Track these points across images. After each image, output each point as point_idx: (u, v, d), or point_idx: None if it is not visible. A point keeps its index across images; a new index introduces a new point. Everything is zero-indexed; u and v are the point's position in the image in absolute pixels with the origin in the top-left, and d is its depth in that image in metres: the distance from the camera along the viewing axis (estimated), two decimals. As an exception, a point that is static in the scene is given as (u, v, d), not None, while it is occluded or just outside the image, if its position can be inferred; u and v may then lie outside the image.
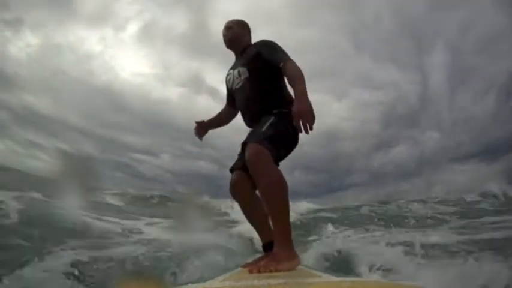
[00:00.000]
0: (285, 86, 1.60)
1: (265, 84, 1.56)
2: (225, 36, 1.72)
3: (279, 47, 1.53)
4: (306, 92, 1.30)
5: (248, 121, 1.64)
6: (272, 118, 1.46)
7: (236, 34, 1.70)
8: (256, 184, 1.37)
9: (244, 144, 1.43)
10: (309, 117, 1.23)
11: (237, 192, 1.60)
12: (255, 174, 1.33)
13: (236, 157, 1.64)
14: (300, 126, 1.23)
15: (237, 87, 1.64)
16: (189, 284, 0.85)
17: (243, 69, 1.60)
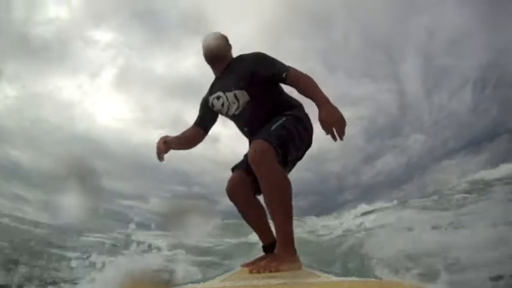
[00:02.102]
0: (283, 92, 1.54)
1: (270, 103, 1.47)
2: (209, 49, 1.52)
3: (272, 58, 1.45)
4: (328, 98, 1.27)
5: (251, 131, 1.52)
6: (283, 119, 1.39)
7: (223, 48, 1.55)
8: (259, 183, 1.29)
9: (251, 143, 1.33)
10: (341, 124, 1.20)
11: (235, 192, 1.52)
12: (258, 173, 1.26)
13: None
14: (333, 134, 1.20)
15: (235, 112, 1.50)
16: (189, 284, 0.85)
17: (240, 93, 1.43)
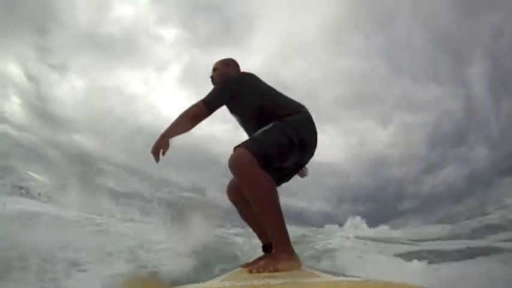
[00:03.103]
0: (275, 102, 1.54)
1: (252, 120, 1.57)
2: (211, 78, 1.79)
3: (217, 89, 1.60)
4: (164, 134, 1.52)
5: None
6: (269, 126, 1.41)
7: (220, 74, 1.75)
8: (242, 188, 1.30)
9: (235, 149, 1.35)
10: (152, 150, 1.52)
11: (234, 194, 1.60)
12: (237, 179, 1.30)
13: None
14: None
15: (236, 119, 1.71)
16: (189, 284, 0.85)
17: (228, 108, 1.66)
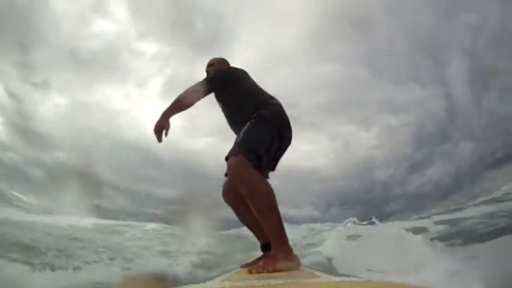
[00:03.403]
0: (255, 92, 1.66)
1: (231, 103, 1.68)
2: (207, 72, 1.86)
3: (219, 71, 1.74)
4: (164, 113, 1.56)
5: (234, 132, 1.70)
6: (248, 124, 1.47)
7: (216, 70, 1.83)
8: (242, 194, 1.35)
9: (227, 159, 1.41)
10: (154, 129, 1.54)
11: (230, 197, 1.63)
12: (237, 187, 1.35)
13: None
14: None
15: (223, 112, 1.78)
16: (189, 284, 0.85)
17: (215, 97, 1.75)
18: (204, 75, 1.85)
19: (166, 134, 1.57)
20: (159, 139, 1.55)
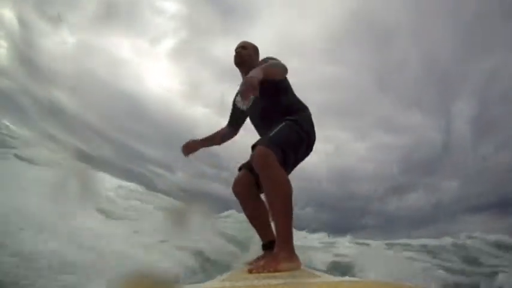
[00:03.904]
0: (294, 96, 1.66)
1: (273, 97, 1.57)
2: (239, 54, 1.73)
3: (275, 60, 1.56)
4: (261, 69, 1.31)
5: (262, 133, 1.66)
6: (283, 124, 1.48)
7: (249, 55, 1.74)
8: (262, 185, 1.38)
9: (254, 147, 1.44)
10: (246, 85, 1.22)
11: (239, 189, 1.62)
12: (261, 176, 1.35)
13: None
14: (240, 96, 1.27)
15: (247, 106, 1.71)
16: (189, 284, 0.85)
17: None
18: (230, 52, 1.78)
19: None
20: (247, 104, 1.38)
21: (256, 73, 1.27)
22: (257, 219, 1.63)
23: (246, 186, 1.59)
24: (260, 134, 1.71)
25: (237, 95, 1.84)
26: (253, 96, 1.42)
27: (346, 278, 0.82)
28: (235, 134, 1.91)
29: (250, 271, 1.12)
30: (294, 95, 1.67)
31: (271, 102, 1.58)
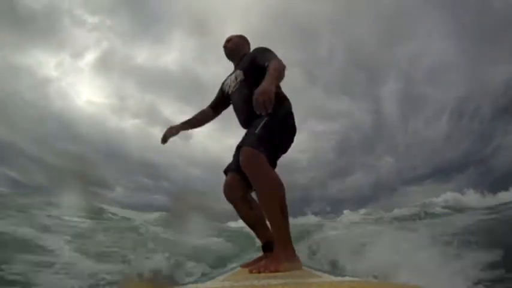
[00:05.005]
0: (279, 87, 1.58)
1: (257, 85, 1.52)
2: (225, 47, 1.80)
3: (270, 52, 1.55)
4: (274, 78, 1.28)
5: (243, 122, 1.64)
6: (265, 119, 1.44)
7: (236, 44, 1.79)
8: (253, 187, 1.37)
9: (238, 148, 1.42)
10: (265, 96, 1.18)
11: (231, 194, 1.59)
12: (250, 178, 1.33)
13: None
14: (257, 105, 1.18)
15: (233, 90, 1.68)
16: (189, 284, 0.85)
17: (239, 73, 1.65)
18: (221, 51, 1.79)
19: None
20: (267, 111, 1.21)
21: (270, 84, 1.24)
22: (253, 220, 1.60)
23: (236, 189, 1.56)
24: (239, 120, 1.67)
25: (225, 81, 1.80)
26: (240, 82, 1.48)
27: (347, 278, 0.81)
28: (216, 116, 1.88)
29: (250, 271, 1.11)
30: (278, 88, 1.59)
31: (252, 84, 1.48)
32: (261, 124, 1.41)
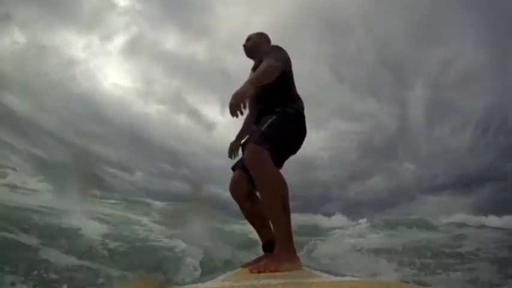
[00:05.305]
0: (293, 87, 1.61)
1: (265, 89, 1.49)
2: (244, 46, 1.81)
3: (278, 51, 1.53)
4: (255, 80, 1.28)
5: (254, 119, 1.64)
6: (273, 117, 1.45)
7: (254, 43, 1.77)
8: (255, 184, 1.37)
9: (244, 145, 1.42)
10: (234, 100, 1.18)
11: (236, 190, 1.60)
12: (253, 175, 1.34)
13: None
14: (229, 108, 1.19)
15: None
16: (189, 284, 0.85)
17: (252, 72, 1.67)
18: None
19: (245, 107, 1.25)
20: (240, 113, 1.20)
21: (247, 87, 1.24)
22: (255, 219, 1.61)
23: (241, 186, 1.57)
24: (251, 117, 1.67)
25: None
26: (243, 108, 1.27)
27: (347, 277, 0.81)
28: None
29: (250, 271, 1.11)
30: (291, 86, 1.61)
31: (267, 88, 1.48)
32: (268, 123, 1.42)
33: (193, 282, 1.08)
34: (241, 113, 1.21)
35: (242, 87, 1.24)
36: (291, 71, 1.60)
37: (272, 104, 1.51)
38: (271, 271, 1.09)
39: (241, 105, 1.19)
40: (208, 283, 0.89)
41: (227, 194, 1.64)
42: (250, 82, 1.28)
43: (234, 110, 1.18)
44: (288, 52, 1.58)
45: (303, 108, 1.59)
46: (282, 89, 1.56)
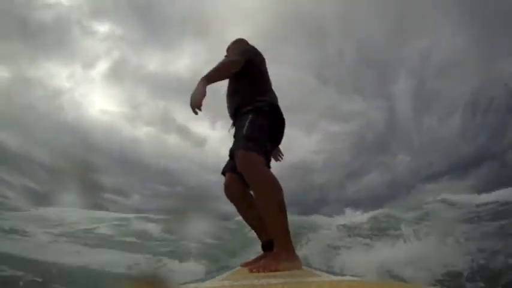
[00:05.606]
0: (261, 79, 1.64)
1: (236, 83, 1.60)
2: (225, 57, 1.83)
3: (237, 45, 1.66)
4: (204, 79, 1.37)
5: (230, 114, 1.66)
6: (249, 117, 1.45)
7: (232, 51, 1.78)
8: (251, 189, 1.40)
9: (232, 152, 1.44)
10: (191, 100, 1.32)
11: (231, 194, 1.61)
12: (248, 180, 1.36)
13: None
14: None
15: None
16: (189, 284, 0.85)
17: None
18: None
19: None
20: (198, 109, 1.32)
21: (200, 85, 1.35)
22: (253, 219, 1.62)
23: (234, 187, 1.58)
24: (228, 112, 1.68)
25: None
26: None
27: (346, 277, 0.81)
28: None
29: (250, 270, 1.12)
30: (260, 80, 1.64)
31: (236, 84, 1.61)
32: (247, 123, 1.43)
33: (193, 282, 1.08)
34: (200, 110, 1.33)
35: (197, 88, 1.34)
36: (261, 60, 1.67)
37: (243, 100, 1.53)
38: (271, 270, 1.09)
39: (200, 104, 1.31)
40: (208, 282, 0.89)
41: (226, 207, 1.66)
42: (203, 80, 1.37)
43: (193, 110, 1.32)
44: (267, 60, 1.68)
45: (274, 99, 1.60)
46: (250, 84, 1.58)
